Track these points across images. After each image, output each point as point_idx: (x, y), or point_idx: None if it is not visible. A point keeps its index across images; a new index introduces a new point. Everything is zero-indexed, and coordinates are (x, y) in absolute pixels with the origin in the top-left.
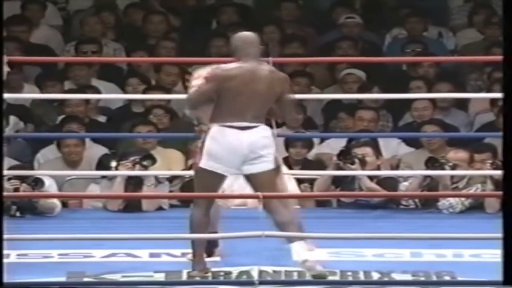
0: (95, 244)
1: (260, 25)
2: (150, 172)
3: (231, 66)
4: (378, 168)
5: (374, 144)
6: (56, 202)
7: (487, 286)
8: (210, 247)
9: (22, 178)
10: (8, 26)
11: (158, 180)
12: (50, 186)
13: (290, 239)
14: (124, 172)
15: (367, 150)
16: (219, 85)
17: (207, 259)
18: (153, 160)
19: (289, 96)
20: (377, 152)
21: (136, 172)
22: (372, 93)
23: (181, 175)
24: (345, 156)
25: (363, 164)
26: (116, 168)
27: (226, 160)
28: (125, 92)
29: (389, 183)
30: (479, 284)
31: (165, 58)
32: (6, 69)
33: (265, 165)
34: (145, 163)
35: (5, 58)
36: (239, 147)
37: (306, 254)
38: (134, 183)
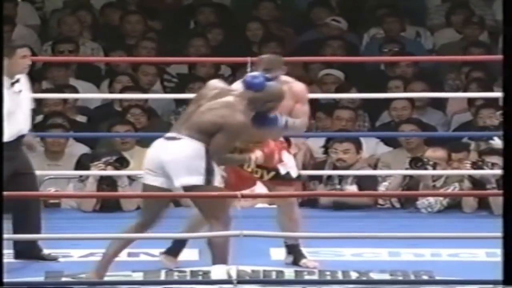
0: (73, 244)
1: (239, 25)
2: (127, 172)
3: None
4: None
5: (355, 140)
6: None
7: (463, 285)
8: (179, 247)
9: None
10: None
11: (132, 179)
12: None
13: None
14: (100, 172)
15: (349, 146)
16: None
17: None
18: (126, 162)
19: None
20: (359, 148)
21: (111, 172)
22: (350, 93)
23: None
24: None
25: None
26: (90, 169)
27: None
28: (101, 92)
29: (369, 183)
30: (457, 283)
31: (143, 58)
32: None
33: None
34: (117, 164)
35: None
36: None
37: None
38: (107, 183)
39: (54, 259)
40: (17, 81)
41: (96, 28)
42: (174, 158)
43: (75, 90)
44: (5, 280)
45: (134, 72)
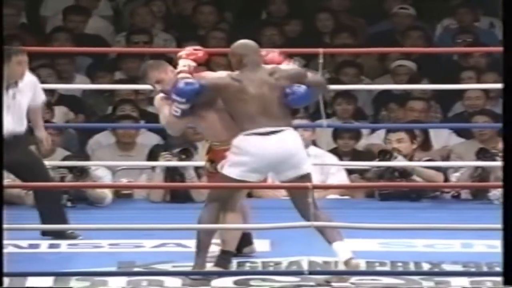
0: (146, 234)
1: (310, 15)
2: (195, 163)
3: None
4: (413, 154)
5: (409, 130)
6: (107, 192)
7: None
8: (244, 244)
9: (70, 168)
10: (65, 16)
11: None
12: (104, 176)
13: (330, 240)
14: (171, 163)
15: (402, 135)
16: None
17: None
18: (190, 154)
19: (309, 76)
20: (412, 138)
21: (183, 163)
22: (422, 84)
23: None
24: (384, 154)
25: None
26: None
27: (252, 167)
28: None
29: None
30: None
31: (216, 48)
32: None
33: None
34: (182, 155)
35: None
36: (266, 153)
37: (347, 253)
38: (176, 174)
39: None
40: (14, 84)
41: (169, 19)
42: (297, 150)
43: None
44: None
45: (206, 63)
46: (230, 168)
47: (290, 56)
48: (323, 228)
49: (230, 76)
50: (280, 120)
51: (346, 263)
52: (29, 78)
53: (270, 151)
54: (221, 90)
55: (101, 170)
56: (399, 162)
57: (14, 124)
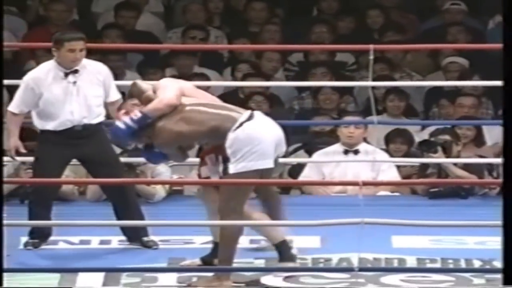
0: (196, 230)
1: (360, 12)
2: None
3: None
4: (459, 154)
5: (453, 132)
6: (158, 188)
7: None
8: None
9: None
10: (116, 12)
11: None
12: (163, 172)
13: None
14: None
15: (446, 138)
16: None
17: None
18: None
19: None
20: (457, 139)
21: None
22: (473, 80)
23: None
24: (427, 145)
25: (448, 151)
26: None
27: (261, 152)
28: (224, 79)
29: (476, 170)
30: None
31: (267, 45)
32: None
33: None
34: None
35: None
36: (267, 134)
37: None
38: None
39: (151, 246)
40: (74, 72)
41: (221, 15)
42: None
43: (203, 78)
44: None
45: (257, 59)
46: (239, 163)
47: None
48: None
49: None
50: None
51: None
52: (96, 69)
53: (269, 131)
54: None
55: (161, 166)
56: (440, 159)
57: (81, 113)
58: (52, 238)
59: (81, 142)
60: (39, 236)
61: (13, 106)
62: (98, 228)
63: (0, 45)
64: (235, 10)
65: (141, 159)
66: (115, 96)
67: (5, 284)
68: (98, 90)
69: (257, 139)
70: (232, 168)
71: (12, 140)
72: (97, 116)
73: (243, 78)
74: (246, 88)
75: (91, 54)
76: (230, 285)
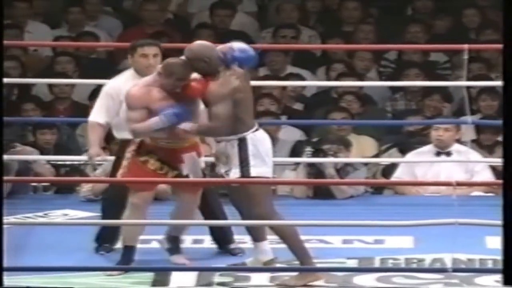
0: None
1: (456, 11)
2: (342, 159)
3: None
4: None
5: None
6: None
7: None
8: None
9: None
10: (211, 12)
11: (354, 167)
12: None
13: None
14: (310, 159)
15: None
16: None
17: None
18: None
19: None
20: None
21: (328, 159)
22: None
23: (374, 162)
24: None
25: None
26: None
27: (270, 162)
28: (318, 78)
29: None
30: None
31: (359, 45)
32: None
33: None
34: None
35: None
36: (269, 147)
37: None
38: (315, 171)
39: (236, 254)
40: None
41: (314, 14)
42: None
43: (296, 77)
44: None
45: (350, 59)
46: (257, 168)
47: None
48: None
49: (238, 77)
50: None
51: (266, 263)
52: None
53: (269, 146)
54: (240, 92)
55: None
56: None
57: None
58: (145, 237)
59: None
60: (108, 239)
61: (97, 116)
62: (192, 228)
63: (0, 44)
64: (329, 9)
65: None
66: None
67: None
68: None
69: (266, 150)
70: (253, 172)
71: (94, 150)
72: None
73: (337, 78)
74: (339, 88)
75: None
76: (322, 278)
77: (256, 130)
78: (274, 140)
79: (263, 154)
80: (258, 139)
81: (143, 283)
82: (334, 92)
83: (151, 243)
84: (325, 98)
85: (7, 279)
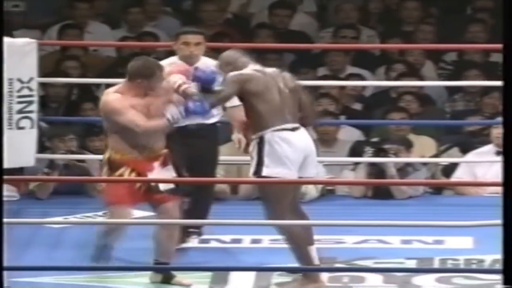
0: (347, 230)
1: None
2: (402, 159)
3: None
4: None
5: None
6: (309, 188)
7: None
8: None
9: None
10: (271, 12)
11: (414, 168)
12: (319, 172)
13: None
14: (368, 159)
15: None
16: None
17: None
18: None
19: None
20: None
21: (387, 159)
22: None
23: (433, 162)
24: None
25: None
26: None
27: (290, 163)
28: (377, 78)
29: None
30: None
31: (419, 45)
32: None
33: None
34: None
35: None
36: (298, 148)
37: None
38: (376, 171)
39: None
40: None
41: (374, 14)
42: (313, 148)
43: (355, 77)
44: (275, 265)
45: (409, 59)
46: (272, 168)
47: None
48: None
49: (253, 70)
50: (296, 117)
51: None
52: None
53: (301, 146)
54: (251, 83)
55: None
56: None
57: None
58: (204, 236)
59: (195, 141)
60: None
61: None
62: (250, 227)
63: (0, 42)
64: (389, 9)
65: None
66: (233, 101)
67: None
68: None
69: (290, 150)
70: (265, 171)
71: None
72: (211, 116)
73: (397, 78)
74: (398, 88)
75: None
76: (324, 284)
77: (282, 129)
78: (333, 140)
79: (281, 154)
80: (279, 139)
81: (201, 283)
82: (394, 92)
83: (209, 242)
84: (384, 98)
85: (88, 278)
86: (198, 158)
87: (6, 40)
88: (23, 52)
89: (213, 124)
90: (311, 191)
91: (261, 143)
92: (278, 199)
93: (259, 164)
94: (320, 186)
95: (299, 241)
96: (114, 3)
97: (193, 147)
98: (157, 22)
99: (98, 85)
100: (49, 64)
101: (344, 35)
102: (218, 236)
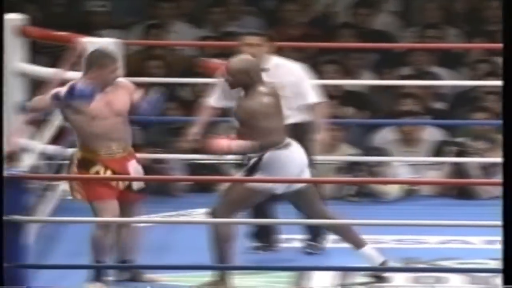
0: (430, 230)
1: None
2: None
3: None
4: None
5: None
6: (392, 188)
7: None
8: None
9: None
10: (354, 11)
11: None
12: (402, 173)
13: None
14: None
15: None
16: None
17: None
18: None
19: None
20: None
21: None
22: None
23: None
24: None
25: None
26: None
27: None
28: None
29: None
30: None
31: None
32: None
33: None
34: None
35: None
36: (292, 165)
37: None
38: (459, 171)
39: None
40: (263, 70)
41: (458, 14)
42: (306, 161)
43: (436, 77)
44: (358, 265)
45: (495, 58)
46: (261, 184)
47: None
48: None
49: (263, 88)
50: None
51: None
52: (287, 70)
53: (297, 163)
54: (267, 107)
55: (402, 166)
56: None
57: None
58: (285, 236)
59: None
60: (265, 239)
61: (213, 100)
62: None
63: (1, 43)
64: (474, 9)
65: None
66: (312, 98)
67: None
68: (285, 91)
69: (285, 168)
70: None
71: (193, 129)
72: (288, 117)
73: (481, 77)
74: (483, 88)
75: (328, 53)
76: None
77: (280, 148)
78: (416, 140)
79: (273, 171)
80: (275, 157)
81: (284, 282)
82: (478, 92)
83: (291, 242)
84: (468, 98)
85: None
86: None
87: (92, 39)
88: None
89: (296, 124)
90: (395, 191)
91: (259, 161)
92: (242, 202)
93: (249, 174)
94: (404, 186)
95: (222, 242)
96: (198, 2)
97: None
98: (240, 22)
99: (181, 85)
100: (133, 63)
101: (430, 34)
102: (301, 236)
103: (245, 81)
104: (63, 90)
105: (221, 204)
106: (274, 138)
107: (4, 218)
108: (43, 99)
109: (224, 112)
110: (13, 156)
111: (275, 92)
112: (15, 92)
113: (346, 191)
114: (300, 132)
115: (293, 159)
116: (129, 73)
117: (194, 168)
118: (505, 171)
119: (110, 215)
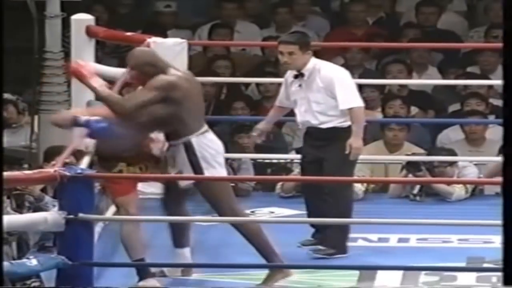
0: (496, 230)
1: None
2: None
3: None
4: None
5: None
6: (457, 188)
7: None
8: None
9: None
10: (418, 11)
11: None
12: (470, 173)
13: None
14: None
15: None
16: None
17: None
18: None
19: None
20: None
21: None
22: None
23: None
24: None
25: None
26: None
27: (222, 163)
28: None
29: None
30: None
31: None
32: None
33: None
34: None
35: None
36: (220, 147)
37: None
38: None
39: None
40: (301, 75)
41: None
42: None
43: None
44: (423, 264)
45: None
46: (210, 170)
47: None
48: None
49: (177, 76)
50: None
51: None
52: (322, 75)
53: (220, 146)
54: (175, 90)
55: (470, 167)
56: None
57: (304, 116)
58: (352, 235)
59: (318, 143)
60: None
61: (278, 100)
62: (397, 226)
63: (1, 44)
64: None
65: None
66: (343, 105)
67: (306, 279)
68: (318, 96)
69: (217, 150)
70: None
71: (260, 124)
72: (322, 123)
73: None
74: None
75: (392, 53)
76: (291, 275)
77: (203, 132)
78: (481, 139)
79: (209, 157)
80: (204, 142)
81: (349, 281)
82: None
83: (357, 241)
84: None
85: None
86: (323, 161)
87: (159, 40)
88: (174, 51)
89: (331, 129)
90: (460, 191)
91: (189, 147)
92: (225, 193)
93: (198, 169)
94: (470, 187)
95: (257, 236)
96: (264, 3)
97: (317, 149)
98: (306, 22)
99: (247, 84)
100: (199, 63)
101: (496, 34)
102: (366, 235)
103: (153, 71)
104: (83, 118)
105: (217, 207)
106: (193, 126)
107: (72, 216)
108: (67, 116)
109: (290, 112)
110: (78, 155)
111: (188, 77)
112: (86, 92)
113: (409, 191)
114: (335, 136)
115: (218, 143)
116: (195, 73)
117: (260, 167)
118: (505, 171)
119: (135, 209)
